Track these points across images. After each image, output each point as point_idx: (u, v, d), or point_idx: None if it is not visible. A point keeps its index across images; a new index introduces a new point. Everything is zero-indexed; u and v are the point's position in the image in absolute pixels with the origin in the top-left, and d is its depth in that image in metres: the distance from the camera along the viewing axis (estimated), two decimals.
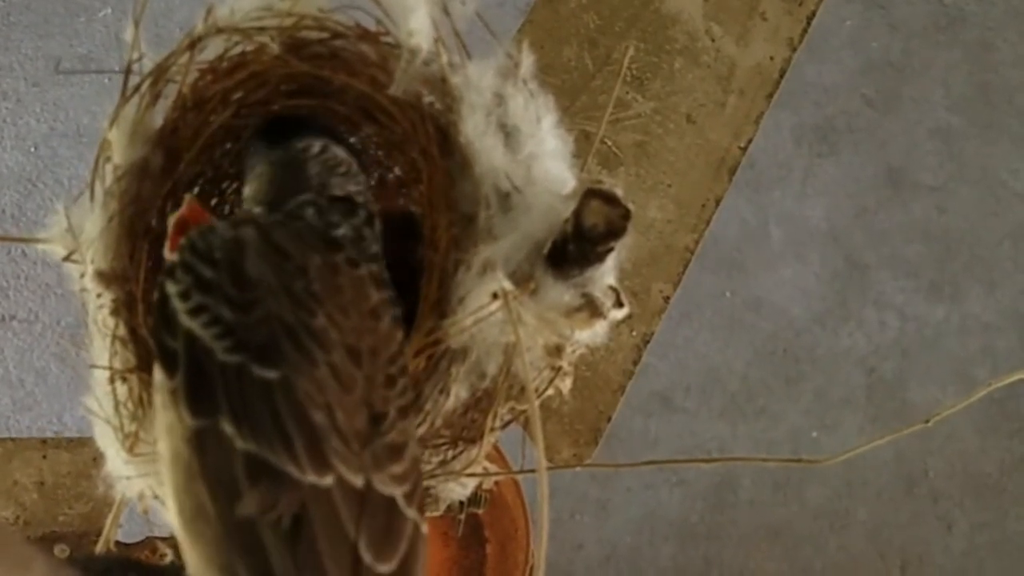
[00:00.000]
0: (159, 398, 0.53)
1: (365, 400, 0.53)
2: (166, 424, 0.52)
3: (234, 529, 0.49)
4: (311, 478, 0.50)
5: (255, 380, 0.51)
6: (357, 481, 0.51)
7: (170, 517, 0.53)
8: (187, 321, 0.53)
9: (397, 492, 0.53)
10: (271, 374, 0.51)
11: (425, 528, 0.55)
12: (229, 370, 0.51)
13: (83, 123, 1.78)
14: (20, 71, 1.80)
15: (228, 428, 0.50)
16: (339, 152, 0.65)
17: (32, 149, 1.78)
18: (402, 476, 0.53)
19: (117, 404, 0.66)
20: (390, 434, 0.54)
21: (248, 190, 0.66)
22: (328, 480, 0.50)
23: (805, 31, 0.89)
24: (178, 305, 0.53)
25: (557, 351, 0.66)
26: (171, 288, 0.54)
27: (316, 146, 0.65)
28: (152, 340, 0.55)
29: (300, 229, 0.59)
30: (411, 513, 0.53)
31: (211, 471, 0.50)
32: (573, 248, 0.60)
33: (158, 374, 0.53)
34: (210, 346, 0.52)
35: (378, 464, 0.52)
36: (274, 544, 0.49)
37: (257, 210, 0.64)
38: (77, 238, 0.69)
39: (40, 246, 0.71)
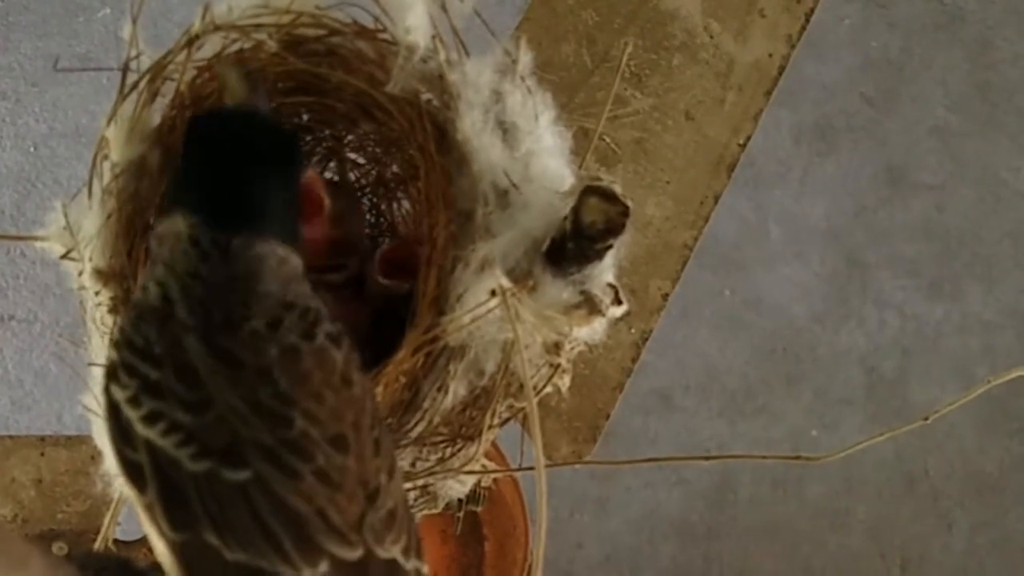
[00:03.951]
0: (138, 511, 0.51)
1: (361, 481, 0.52)
2: (154, 534, 0.51)
3: None
4: (307, 573, 0.49)
5: (228, 484, 0.49)
6: (353, 555, 0.50)
7: None
8: (144, 431, 0.50)
9: (396, 551, 0.52)
10: (243, 475, 0.49)
11: (426, 569, 0.55)
12: (200, 478, 0.49)
13: (82, 123, 1.78)
14: (19, 71, 1.81)
15: (212, 539, 0.48)
16: (294, 261, 0.56)
17: (31, 149, 1.78)
18: (397, 536, 0.53)
19: None
20: (385, 506, 0.53)
21: (162, 268, 0.55)
22: (323, 568, 0.49)
23: (803, 28, 0.89)
24: (131, 414, 0.51)
25: (556, 348, 0.66)
26: (118, 394, 0.52)
27: (273, 259, 0.55)
28: (113, 452, 0.52)
29: (244, 328, 0.53)
30: (411, 565, 0.53)
31: None
32: (571, 245, 0.60)
33: (129, 489, 0.51)
34: (174, 456, 0.49)
35: (378, 539, 0.52)
36: None
37: (179, 312, 0.53)
38: (75, 236, 0.69)
39: (38, 244, 0.71)
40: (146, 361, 0.51)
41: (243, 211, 0.56)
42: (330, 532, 0.50)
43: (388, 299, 0.76)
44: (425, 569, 0.54)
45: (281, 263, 0.55)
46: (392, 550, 0.52)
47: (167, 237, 0.56)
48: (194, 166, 0.57)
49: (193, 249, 0.55)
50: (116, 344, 0.53)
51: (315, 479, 0.50)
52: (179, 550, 0.49)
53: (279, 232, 0.56)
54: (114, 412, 0.52)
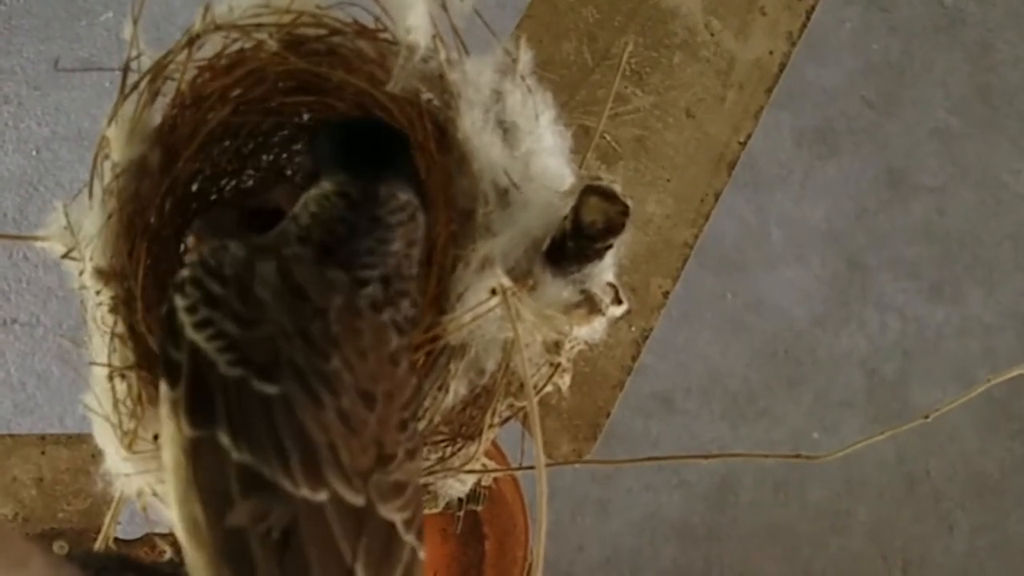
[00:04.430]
0: (163, 409, 0.53)
1: (376, 440, 0.53)
2: (168, 434, 0.53)
3: (224, 539, 0.50)
4: (304, 492, 0.50)
5: (255, 394, 0.51)
6: (356, 500, 0.51)
7: (175, 527, 0.53)
8: (192, 334, 0.53)
9: (397, 518, 0.53)
10: (271, 389, 0.51)
11: (423, 554, 0.55)
12: (230, 383, 0.51)
13: (84, 126, 1.78)
14: (21, 75, 1.81)
15: (224, 439, 0.50)
16: (421, 219, 0.62)
17: (33, 152, 1.78)
18: (403, 506, 0.54)
19: (116, 401, 0.66)
20: (395, 474, 0.54)
21: (307, 217, 0.60)
22: (321, 496, 0.50)
23: (804, 26, 0.89)
24: (184, 319, 0.53)
25: (556, 347, 0.65)
26: (179, 302, 0.54)
27: (410, 209, 0.61)
28: (158, 352, 0.55)
29: (327, 272, 0.57)
30: (409, 538, 0.54)
31: (205, 481, 0.51)
32: (572, 244, 0.60)
33: (163, 385, 0.54)
34: (213, 359, 0.52)
35: (382, 497, 0.53)
36: (262, 556, 0.49)
37: (303, 249, 0.59)
38: (76, 236, 0.69)
39: (39, 245, 0.71)
40: (213, 277, 0.54)
41: (382, 160, 0.62)
42: (337, 468, 0.51)
43: None
44: (422, 553, 0.55)
45: (413, 216, 0.61)
46: (394, 515, 0.53)
47: (312, 199, 0.61)
48: (333, 145, 0.64)
49: (342, 200, 0.60)
50: (191, 264, 0.56)
51: (336, 415, 0.52)
52: (191, 445, 0.51)
53: (415, 184, 0.62)
54: (170, 316, 0.54)
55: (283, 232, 0.60)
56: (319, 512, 0.50)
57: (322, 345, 0.53)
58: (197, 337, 0.52)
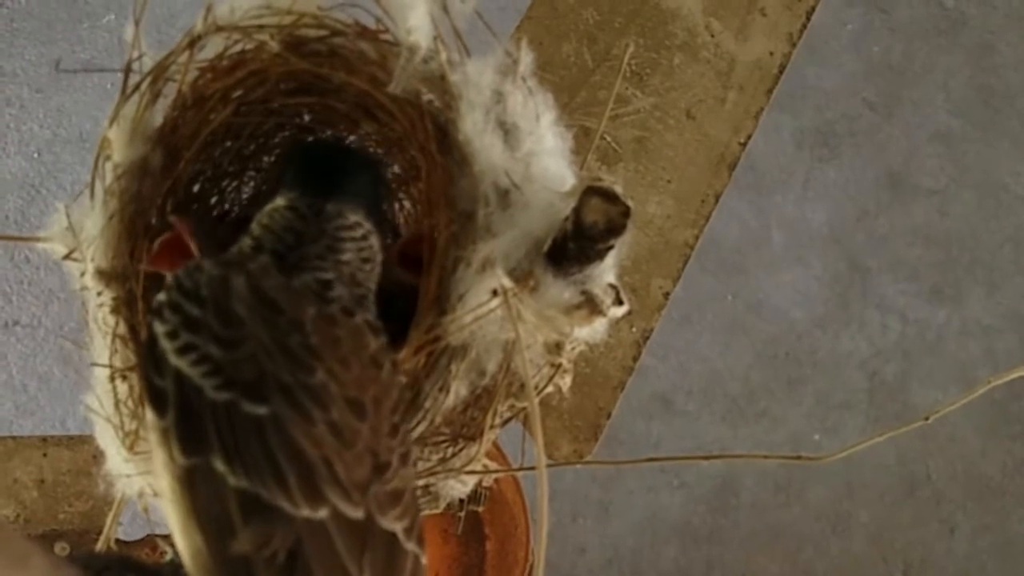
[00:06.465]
0: (152, 437, 0.53)
1: (370, 450, 0.53)
2: (161, 463, 0.52)
3: (229, 567, 0.49)
4: (305, 512, 0.49)
5: (245, 416, 0.50)
6: (356, 514, 0.51)
7: (180, 555, 0.53)
8: (175, 360, 0.52)
9: (397, 527, 0.53)
10: (261, 410, 0.50)
11: (425, 560, 0.55)
12: (219, 408, 0.51)
13: (86, 129, 1.78)
14: (23, 77, 1.81)
15: (219, 466, 0.50)
16: (374, 242, 0.64)
17: (35, 155, 1.78)
18: (401, 514, 0.54)
19: (117, 402, 0.66)
20: (392, 482, 0.54)
21: (259, 228, 0.63)
22: (322, 513, 0.50)
23: (804, 27, 0.89)
24: (166, 345, 0.53)
25: (557, 348, 0.65)
26: (159, 328, 0.54)
27: (359, 230, 0.64)
28: (142, 381, 0.54)
29: (292, 283, 0.58)
30: (411, 546, 0.54)
31: (204, 510, 0.50)
32: (573, 246, 0.60)
33: (149, 414, 0.53)
34: (199, 384, 0.51)
35: (380, 509, 0.53)
36: None
37: (262, 258, 0.60)
38: (77, 237, 0.69)
39: (41, 246, 0.71)
40: (191, 300, 0.54)
41: (334, 181, 0.65)
42: (334, 483, 0.51)
43: (399, 289, 0.76)
44: (424, 559, 0.55)
45: (365, 236, 0.63)
46: (394, 525, 0.53)
47: (264, 213, 0.64)
48: (293, 163, 0.67)
49: (291, 213, 0.63)
50: (167, 288, 0.55)
51: (327, 429, 0.51)
52: (185, 474, 0.50)
53: (366, 207, 0.65)
54: (151, 343, 0.54)
55: (240, 248, 0.62)
56: (322, 530, 0.50)
57: (304, 358, 0.52)
58: (181, 363, 0.52)
